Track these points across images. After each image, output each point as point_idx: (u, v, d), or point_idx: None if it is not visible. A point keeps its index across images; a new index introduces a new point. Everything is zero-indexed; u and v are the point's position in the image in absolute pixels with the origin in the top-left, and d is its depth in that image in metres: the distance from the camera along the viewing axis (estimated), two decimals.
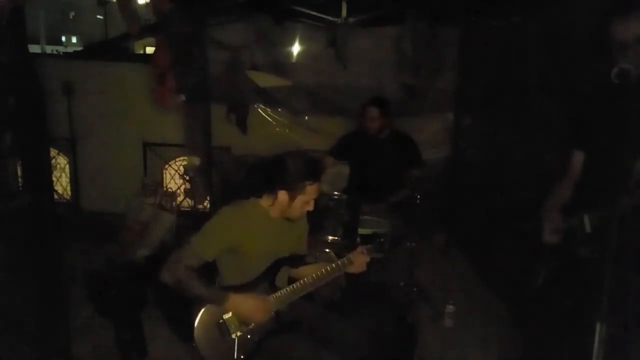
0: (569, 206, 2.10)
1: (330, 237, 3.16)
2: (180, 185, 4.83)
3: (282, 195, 2.06)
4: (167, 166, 5.05)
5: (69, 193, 5.03)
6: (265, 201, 2.13)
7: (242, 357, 2.03)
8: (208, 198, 4.77)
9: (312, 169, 2.07)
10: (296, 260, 2.23)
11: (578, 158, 2.16)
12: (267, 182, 2.09)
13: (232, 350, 2.01)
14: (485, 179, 4.17)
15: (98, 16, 23.61)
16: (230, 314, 2.01)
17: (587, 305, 1.64)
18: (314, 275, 2.12)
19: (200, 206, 4.75)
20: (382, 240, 2.29)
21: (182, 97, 4.18)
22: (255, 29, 4.58)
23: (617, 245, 1.49)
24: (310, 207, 2.12)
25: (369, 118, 3.55)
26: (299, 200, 2.06)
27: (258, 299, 2.04)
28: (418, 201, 3.21)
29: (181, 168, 4.90)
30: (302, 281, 2.12)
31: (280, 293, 2.10)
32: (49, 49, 20.55)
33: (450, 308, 3.24)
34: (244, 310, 2.02)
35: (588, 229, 1.94)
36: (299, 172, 2.04)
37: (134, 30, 3.80)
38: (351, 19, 4.44)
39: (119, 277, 3.30)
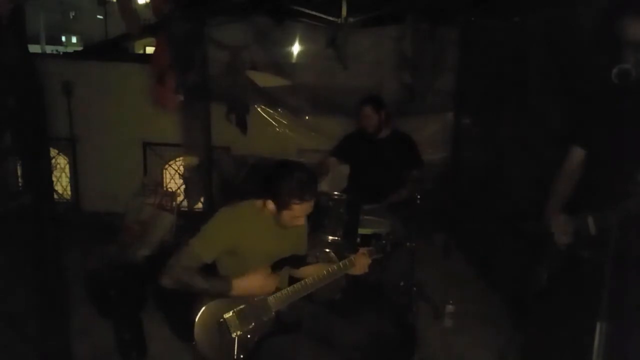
0: (573, 208, 2.09)
1: (330, 237, 3.15)
2: (180, 185, 4.83)
3: (269, 204, 2.06)
4: (167, 166, 5.06)
5: (69, 193, 5.03)
6: (259, 203, 2.13)
7: (242, 356, 2.02)
8: (202, 199, 4.77)
9: (302, 189, 2.01)
10: (297, 260, 2.22)
11: (575, 155, 2.15)
12: (260, 186, 2.09)
13: (232, 350, 2.01)
14: (486, 179, 4.17)
15: (98, 16, 23.65)
16: (230, 313, 2.01)
17: (588, 305, 1.63)
18: (315, 276, 2.12)
19: (196, 206, 4.75)
20: (382, 240, 2.29)
21: (182, 97, 4.18)
22: (255, 29, 4.59)
23: (620, 246, 1.48)
24: (299, 223, 2.10)
25: (364, 116, 3.63)
26: (286, 214, 2.05)
27: (258, 274, 2.03)
28: (418, 201, 3.21)
29: (181, 168, 4.91)
30: (303, 282, 2.11)
31: (281, 293, 2.10)
32: (49, 49, 20.61)
33: (450, 308, 3.25)
34: (250, 289, 2.01)
35: (593, 230, 1.93)
36: (286, 189, 2.00)
37: (133, 30, 3.78)
38: (351, 19, 4.43)
39: (119, 277, 3.29)
